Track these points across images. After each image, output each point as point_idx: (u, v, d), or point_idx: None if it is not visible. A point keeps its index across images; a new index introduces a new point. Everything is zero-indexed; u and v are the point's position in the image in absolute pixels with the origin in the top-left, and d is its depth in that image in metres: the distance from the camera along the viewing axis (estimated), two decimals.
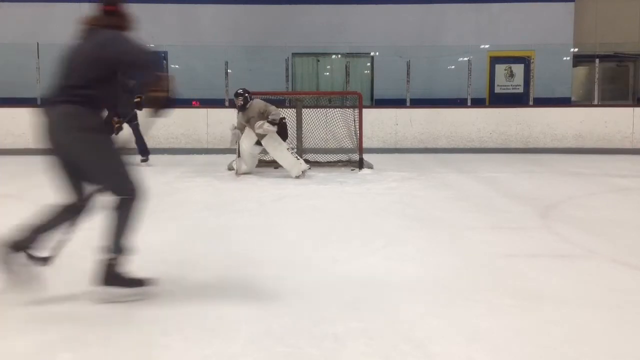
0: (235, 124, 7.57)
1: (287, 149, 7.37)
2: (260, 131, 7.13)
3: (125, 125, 8.23)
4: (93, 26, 2.90)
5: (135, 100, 8.17)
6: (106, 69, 2.80)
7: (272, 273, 3.34)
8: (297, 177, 7.19)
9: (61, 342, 2.40)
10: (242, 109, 7.31)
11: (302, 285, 3.13)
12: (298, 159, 7.34)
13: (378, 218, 4.96)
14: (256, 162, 7.74)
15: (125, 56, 2.82)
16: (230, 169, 8.03)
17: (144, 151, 8.63)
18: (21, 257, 2.84)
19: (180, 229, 4.53)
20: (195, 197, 6.05)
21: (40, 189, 6.58)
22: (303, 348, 2.33)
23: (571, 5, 13.42)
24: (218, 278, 3.26)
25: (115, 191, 2.83)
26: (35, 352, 2.32)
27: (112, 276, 2.86)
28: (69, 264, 3.56)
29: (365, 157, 8.22)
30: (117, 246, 2.85)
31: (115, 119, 7.78)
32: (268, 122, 7.11)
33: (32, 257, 2.99)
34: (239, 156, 7.60)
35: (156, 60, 2.86)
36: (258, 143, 7.36)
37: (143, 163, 8.58)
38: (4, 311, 2.78)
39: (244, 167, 7.53)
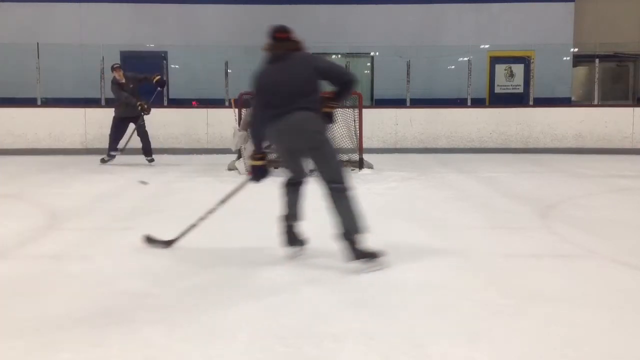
0: (238, 127, 7.54)
1: None
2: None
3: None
4: (277, 51, 3.51)
5: (140, 104, 8.51)
6: (317, 81, 3.49)
7: (271, 273, 3.35)
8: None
9: (61, 342, 2.40)
10: None
11: (302, 285, 3.13)
12: None
13: (378, 218, 4.95)
14: None
15: (335, 69, 3.54)
16: (230, 169, 8.02)
17: (148, 151, 8.75)
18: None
19: (180, 229, 4.53)
20: (195, 197, 6.04)
21: (40, 188, 6.61)
22: (303, 348, 2.33)
23: (571, 5, 13.42)
24: (218, 278, 3.26)
25: (336, 177, 3.43)
26: (35, 352, 2.32)
27: (357, 252, 3.38)
28: (66, 266, 3.57)
29: (365, 157, 8.21)
30: (354, 227, 3.39)
31: (138, 103, 8.45)
32: None
33: (152, 241, 3.88)
34: (239, 157, 7.58)
35: (355, 77, 3.57)
36: None
37: (151, 163, 8.74)
38: (4, 311, 2.78)
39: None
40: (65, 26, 12.96)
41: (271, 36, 3.55)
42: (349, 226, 3.39)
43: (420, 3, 13.37)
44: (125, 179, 7.39)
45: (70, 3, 13.10)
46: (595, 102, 11.56)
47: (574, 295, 3.00)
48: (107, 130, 8.76)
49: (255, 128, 3.61)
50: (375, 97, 13.22)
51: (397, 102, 11.53)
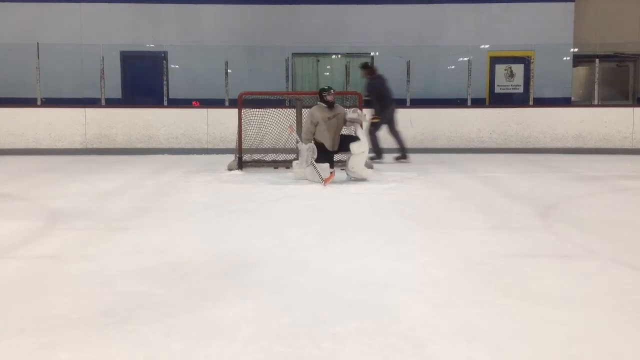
0: (300, 138, 7.11)
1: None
2: (354, 116, 7.06)
3: None
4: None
5: None
6: None
7: (272, 273, 3.35)
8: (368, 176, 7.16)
9: (61, 342, 2.40)
10: (331, 105, 7.09)
11: (302, 285, 3.13)
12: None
13: (378, 218, 4.96)
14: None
15: None
16: (230, 169, 8.02)
17: None
18: None
19: (181, 229, 4.53)
20: (196, 197, 6.05)
21: (40, 188, 6.61)
22: (303, 348, 2.33)
23: (571, 5, 13.42)
24: (218, 278, 3.26)
25: None
26: (35, 352, 2.32)
27: None
28: (66, 266, 3.57)
29: None
30: None
31: None
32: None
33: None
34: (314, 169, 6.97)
35: None
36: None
37: None
38: (4, 311, 2.78)
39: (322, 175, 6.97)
40: (65, 26, 12.96)
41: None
42: None
43: (420, 3, 13.36)
44: (125, 179, 7.40)
45: (70, 3, 13.10)
46: (595, 102, 11.55)
47: (574, 295, 3.00)
48: (107, 131, 8.72)
49: None
50: None
51: (397, 102, 11.51)
